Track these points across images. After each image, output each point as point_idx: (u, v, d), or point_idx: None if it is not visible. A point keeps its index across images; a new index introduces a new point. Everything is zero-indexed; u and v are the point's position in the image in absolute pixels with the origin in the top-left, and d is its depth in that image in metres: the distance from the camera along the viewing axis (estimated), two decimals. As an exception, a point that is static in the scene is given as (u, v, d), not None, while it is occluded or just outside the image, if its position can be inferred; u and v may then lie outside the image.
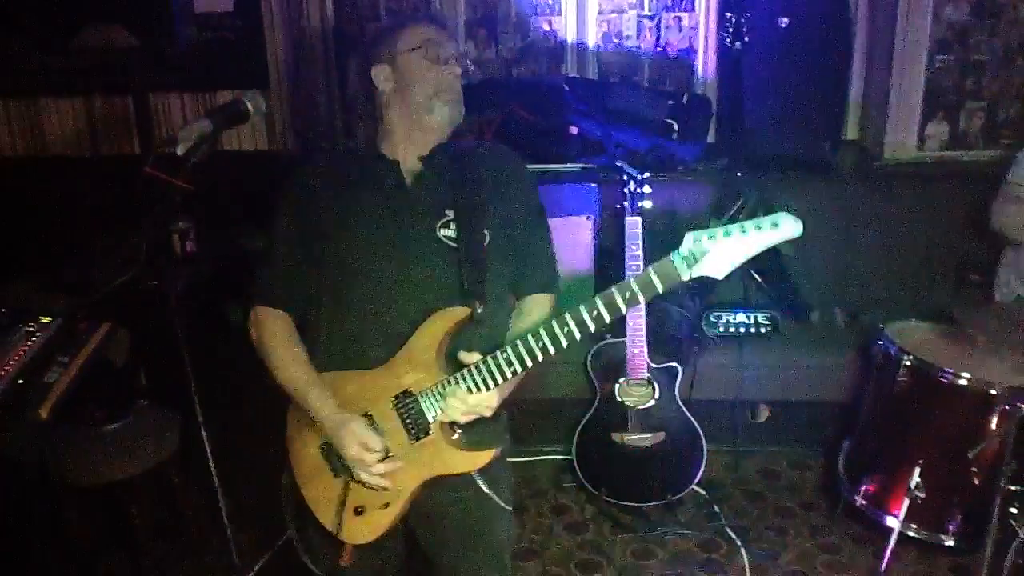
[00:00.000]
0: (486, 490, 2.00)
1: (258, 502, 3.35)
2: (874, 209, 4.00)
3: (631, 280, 1.71)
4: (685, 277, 1.67)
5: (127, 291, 2.95)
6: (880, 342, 3.10)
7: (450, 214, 1.96)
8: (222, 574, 3.13)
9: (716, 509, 3.40)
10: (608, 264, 3.64)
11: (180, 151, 1.76)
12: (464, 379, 1.85)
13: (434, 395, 1.88)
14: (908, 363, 2.93)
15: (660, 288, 1.69)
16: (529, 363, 1.81)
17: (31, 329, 2.55)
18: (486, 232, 1.96)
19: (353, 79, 2.05)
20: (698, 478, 3.35)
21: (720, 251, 1.64)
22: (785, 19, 3.96)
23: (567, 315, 1.77)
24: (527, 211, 2.08)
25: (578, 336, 1.77)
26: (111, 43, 3.25)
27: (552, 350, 1.79)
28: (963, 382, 2.82)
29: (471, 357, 1.84)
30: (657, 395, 3.27)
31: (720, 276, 1.66)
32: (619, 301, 1.73)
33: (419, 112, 1.98)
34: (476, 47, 4.41)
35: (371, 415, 1.92)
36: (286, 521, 2.09)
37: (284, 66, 4.25)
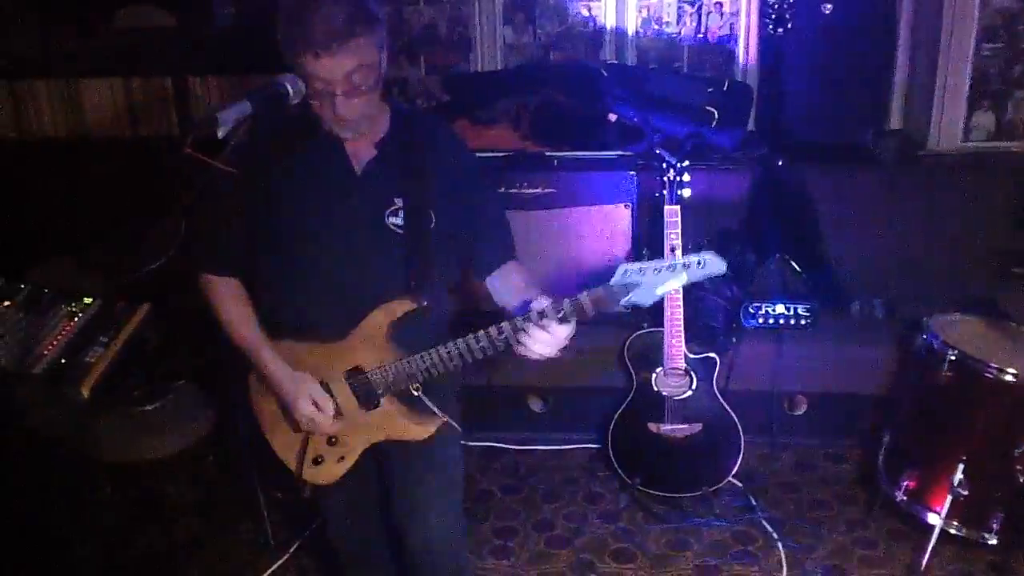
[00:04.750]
0: (445, 417, 2.10)
1: (292, 484, 3.38)
2: (917, 200, 3.93)
3: (565, 300, 1.83)
4: (615, 306, 1.81)
5: (165, 271, 2.96)
6: (923, 335, 3.04)
7: (398, 202, 2.02)
8: (256, 552, 3.15)
9: (752, 501, 3.37)
10: (646, 253, 3.60)
11: (220, 133, 1.75)
12: (429, 358, 1.97)
13: (384, 374, 2.02)
14: (952, 357, 2.87)
15: (591, 313, 1.83)
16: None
17: (73, 309, 2.58)
18: (433, 217, 2.03)
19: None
20: (735, 470, 3.32)
21: (649, 283, 1.78)
22: (829, 5, 3.90)
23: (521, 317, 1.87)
24: (477, 187, 2.12)
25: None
26: (150, 23, 3.26)
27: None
28: (1009, 378, 2.77)
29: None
30: (694, 385, 3.24)
31: (647, 304, 1.81)
32: (552, 316, 1.84)
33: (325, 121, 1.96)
34: (514, 31, 4.39)
35: (327, 383, 2.05)
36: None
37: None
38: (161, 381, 2.97)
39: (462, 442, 2.31)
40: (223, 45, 3.77)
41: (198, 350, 3.30)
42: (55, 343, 2.44)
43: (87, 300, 2.63)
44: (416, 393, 2.04)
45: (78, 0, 3.51)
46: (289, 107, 1.90)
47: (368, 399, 2.06)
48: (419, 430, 2.09)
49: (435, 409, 2.07)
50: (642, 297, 1.79)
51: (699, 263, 1.76)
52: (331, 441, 2.12)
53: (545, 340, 1.86)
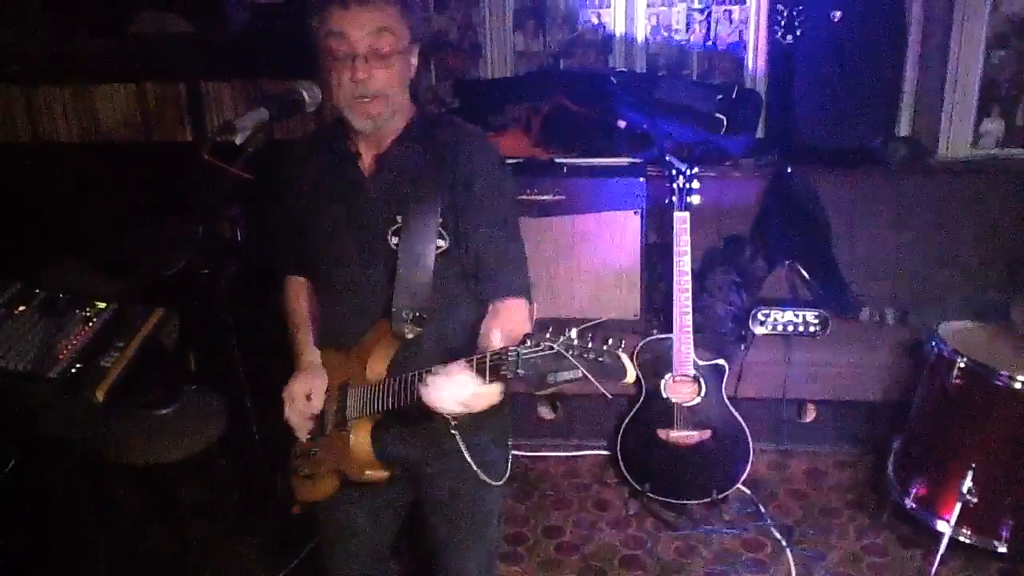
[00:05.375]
0: (476, 470, 1.99)
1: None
2: (926, 206, 3.92)
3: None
4: (510, 374, 1.55)
5: (178, 276, 2.99)
6: (933, 342, 3.04)
7: (400, 220, 1.91)
8: (266, 557, 3.17)
9: (761, 508, 3.37)
10: (655, 260, 3.61)
11: (238, 140, 1.77)
12: (392, 384, 1.86)
13: (356, 395, 1.94)
14: (962, 365, 2.87)
15: (510, 376, 1.57)
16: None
17: (87, 314, 2.60)
18: (440, 242, 1.91)
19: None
20: (744, 477, 3.32)
21: (539, 368, 1.52)
22: (838, 12, 3.90)
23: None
24: (490, 210, 1.94)
25: None
26: (166, 29, 3.28)
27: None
28: (1019, 385, 2.77)
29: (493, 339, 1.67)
30: (703, 392, 3.25)
31: (536, 391, 1.57)
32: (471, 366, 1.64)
33: (342, 113, 1.88)
34: (524, 38, 4.40)
35: (329, 392, 2.04)
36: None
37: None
38: (174, 385, 3.00)
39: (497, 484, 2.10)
40: (237, 51, 3.77)
41: (211, 355, 3.33)
42: (71, 347, 2.45)
43: (102, 304, 2.65)
44: (453, 432, 1.89)
45: (94, 5, 3.53)
46: (306, 114, 1.92)
47: (340, 418, 1.98)
48: (358, 469, 1.94)
49: (465, 451, 1.94)
50: (531, 382, 1.53)
51: (598, 359, 1.48)
52: (309, 453, 2.07)
53: (449, 391, 1.65)
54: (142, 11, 3.29)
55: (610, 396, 1.54)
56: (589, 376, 1.49)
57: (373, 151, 1.96)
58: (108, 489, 3.06)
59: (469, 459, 1.96)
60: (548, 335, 1.51)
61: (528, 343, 1.53)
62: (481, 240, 1.93)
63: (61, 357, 2.42)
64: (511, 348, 1.55)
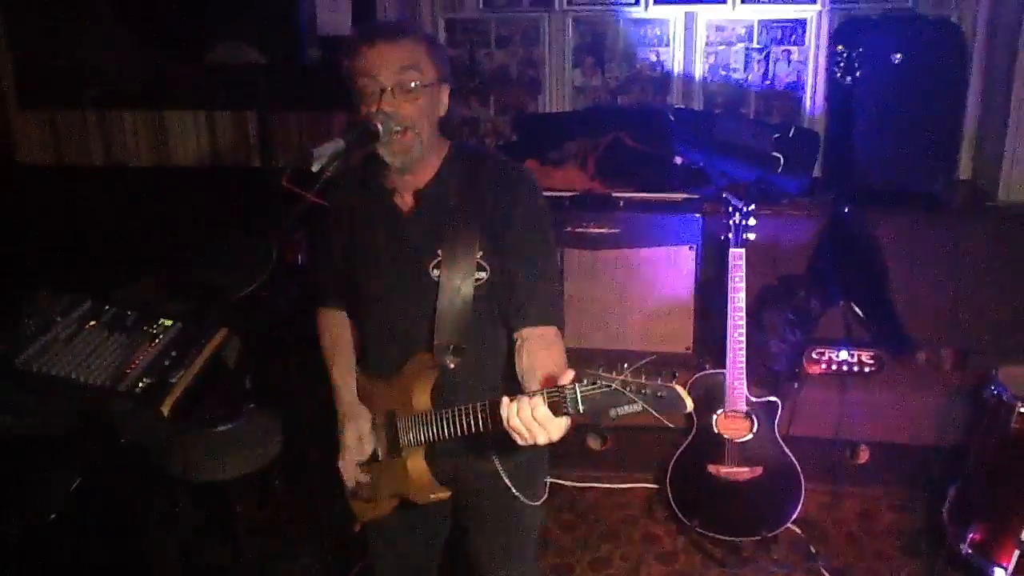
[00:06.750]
0: (513, 491, 2.05)
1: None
2: (986, 250, 3.87)
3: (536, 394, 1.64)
4: (570, 410, 1.60)
5: (241, 297, 3.06)
6: (992, 387, 3.01)
7: (441, 254, 1.96)
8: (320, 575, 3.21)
9: (812, 549, 3.33)
10: (709, 295, 3.62)
11: (315, 167, 1.83)
12: (451, 415, 1.90)
13: (410, 423, 2.00)
14: (1022, 410, 2.84)
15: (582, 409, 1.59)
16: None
17: (154, 331, 2.68)
18: (480, 274, 1.96)
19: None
20: (795, 516, 3.29)
21: (602, 403, 1.56)
22: (899, 55, 3.90)
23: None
24: (528, 241, 1.97)
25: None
26: (241, 60, 3.39)
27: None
28: (1081, 432, 2.73)
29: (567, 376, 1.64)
30: (755, 429, 3.24)
31: (599, 423, 1.62)
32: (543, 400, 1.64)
33: (376, 149, 1.90)
34: (583, 74, 4.46)
35: (375, 419, 2.11)
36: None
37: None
38: (234, 403, 3.06)
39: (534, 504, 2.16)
40: (307, 82, 3.89)
41: (269, 374, 3.40)
42: (138, 363, 2.53)
43: (168, 322, 2.73)
44: (493, 458, 2.01)
45: (173, 34, 3.67)
46: (373, 148, 1.95)
47: (391, 445, 2.06)
48: (420, 493, 2.04)
49: (502, 471, 2.02)
50: (592, 417, 1.59)
51: (657, 395, 1.53)
52: (364, 480, 2.15)
53: (530, 426, 1.63)
54: (219, 42, 3.41)
55: (671, 426, 1.55)
56: (650, 410, 1.53)
57: (411, 187, 2.01)
58: (167, 504, 3.13)
59: (506, 479, 2.03)
60: (601, 370, 1.54)
61: (584, 381, 1.56)
62: (517, 270, 1.97)
63: (129, 372, 2.49)
64: (568, 386, 1.59)
